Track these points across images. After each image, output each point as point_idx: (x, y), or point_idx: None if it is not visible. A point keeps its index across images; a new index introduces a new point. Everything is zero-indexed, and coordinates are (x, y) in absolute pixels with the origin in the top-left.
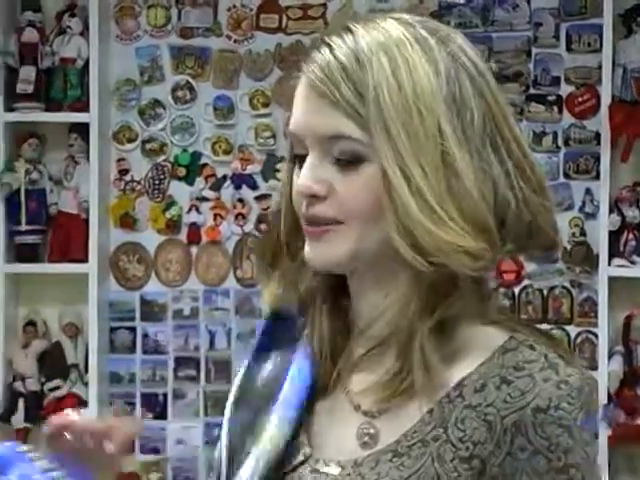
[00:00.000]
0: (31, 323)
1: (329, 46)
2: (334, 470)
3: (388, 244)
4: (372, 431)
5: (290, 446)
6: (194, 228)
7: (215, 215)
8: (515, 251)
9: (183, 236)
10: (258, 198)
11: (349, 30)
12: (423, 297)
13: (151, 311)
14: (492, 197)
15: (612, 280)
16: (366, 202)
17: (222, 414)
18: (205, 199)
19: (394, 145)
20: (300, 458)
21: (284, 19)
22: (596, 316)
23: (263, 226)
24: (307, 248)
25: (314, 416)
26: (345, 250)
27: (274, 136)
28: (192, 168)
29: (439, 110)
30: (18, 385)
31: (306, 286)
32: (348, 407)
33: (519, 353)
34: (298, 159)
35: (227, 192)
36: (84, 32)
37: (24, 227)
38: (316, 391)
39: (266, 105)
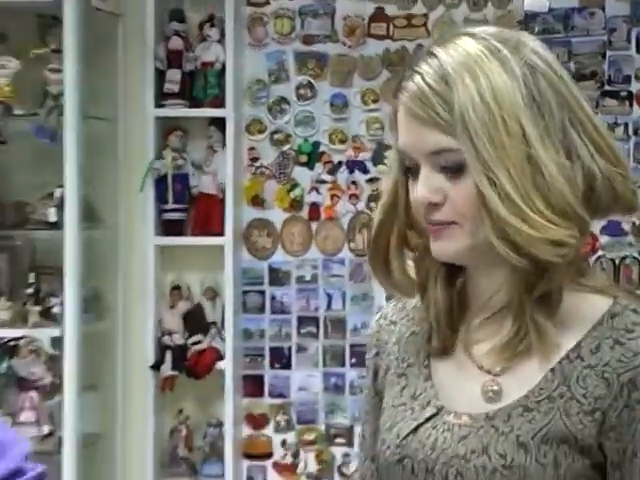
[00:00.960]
0: (176, 287)
1: (420, 74)
2: (466, 422)
3: None
4: (496, 388)
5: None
6: (314, 207)
7: (332, 195)
8: (603, 216)
9: (305, 213)
10: (369, 181)
11: (434, 55)
12: (524, 276)
13: (277, 277)
14: (581, 175)
15: None
16: (473, 205)
17: (338, 366)
18: (323, 182)
19: (480, 157)
20: (432, 410)
21: (391, 27)
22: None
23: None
24: (432, 244)
25: (438, 374)
26: (464, 245)
27: (382, 127)
28: (312, 155)
29: (520, 113)
30: (166, 339)
31: (423, 270)
32: (471, 366)
33: (625, 317)
34: (410, 170)
35: (342, 176)
36: (221, 40)
37: (170, 206)
38: (435, 352)
39: (375, 101)
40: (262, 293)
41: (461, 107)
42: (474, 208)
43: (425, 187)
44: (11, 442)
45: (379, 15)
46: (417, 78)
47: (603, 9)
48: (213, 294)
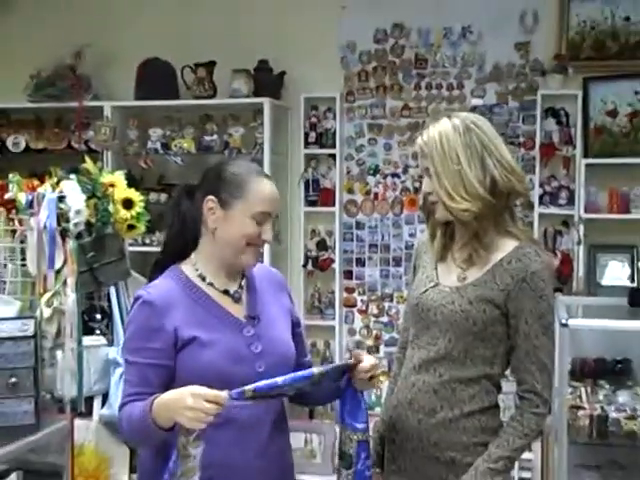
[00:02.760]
0: (313, 230)
1: (422, 135)
2: (447, 290)
3: None
4: (464, 276)
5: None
6: (375, 194)
7: (384, 188)
8: (509, 200)
9: (371, 197)
10: (401, 182)
11: (428, 127)
12: (465, 227)
13: (359, 225)
14: (489, 179)
15: (540, 215)
16: (440, 194)
17: (386, 265)
18: (379, 182)
19: (436, 171)
20: (432, 284)
21: (411, 112)
22: (532, 229)
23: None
24: (435, 212)
25: (439, 268)
26: (443, 214)
27: (407, 157)
28: (375, 170)
29: (459, 150)
30: (308, 253)
31: (435, 223)
32: (454, 266)
33: (525, 249)
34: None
35: (388, 180)
36: (334, 117)
37: (311, 193)
38: (438, 259)
39: (405, 145)
40: (352, 233)
41: (430, 148)
42: (441, 195)
43: (425, 185)
44: None
45: (405, 107)
46: (420, 137)
47: (507, 104)
48: (330, 233)
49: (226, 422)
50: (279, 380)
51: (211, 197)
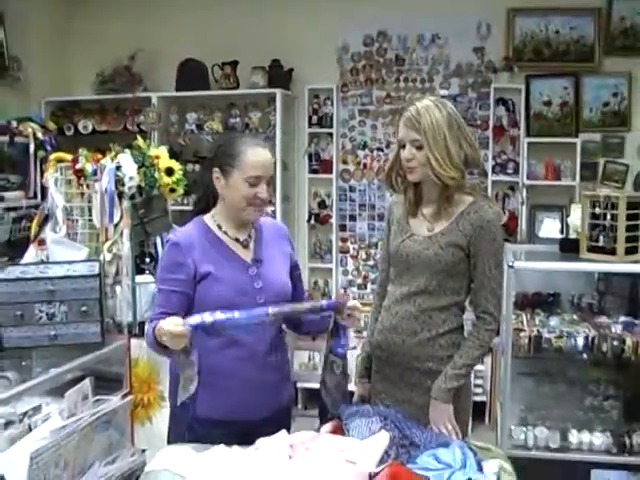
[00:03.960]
0: (315, 193)
1: (409, 109)
2: (420, 239)
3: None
4: (432, 227)
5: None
6: (364, 164)
7: (371, 160)
8: (469, 168)
9: (361, 166)
10: (384, 154)
11: (414, 103)
12: (440, 189)
13: (352, 189)
14: (463, 153)
15: (493, 182)
16: (423, 161)
17: (372, 220)
18: (367, 155)
19: (428, 143)
20: (407, 234)
21: (394, 99)
22: (487, 192)
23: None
24: (408, 175)
25: (410, 222)
26: (420, 175)
27: (390, 135)
28: (364, 146)
29: (444, 128)
30: (311, 210)
31: (405, 184)
32: (424, 221)
33: (479, 203)
34: (402, 146)
35: (374, 153)
36: (332, 104)
37: (313, 163)
38: (409, 214)
39: (389, 125)
40: (346, 195)
41: (422, 124)
42: (424, 162)
43: (407, 152)
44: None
45: (388, 96)
46: (407, 111)
47: (467, 94)
48: (329, 195)
49: (231, 342)
50: (236, 314)
51: (216, 169)
